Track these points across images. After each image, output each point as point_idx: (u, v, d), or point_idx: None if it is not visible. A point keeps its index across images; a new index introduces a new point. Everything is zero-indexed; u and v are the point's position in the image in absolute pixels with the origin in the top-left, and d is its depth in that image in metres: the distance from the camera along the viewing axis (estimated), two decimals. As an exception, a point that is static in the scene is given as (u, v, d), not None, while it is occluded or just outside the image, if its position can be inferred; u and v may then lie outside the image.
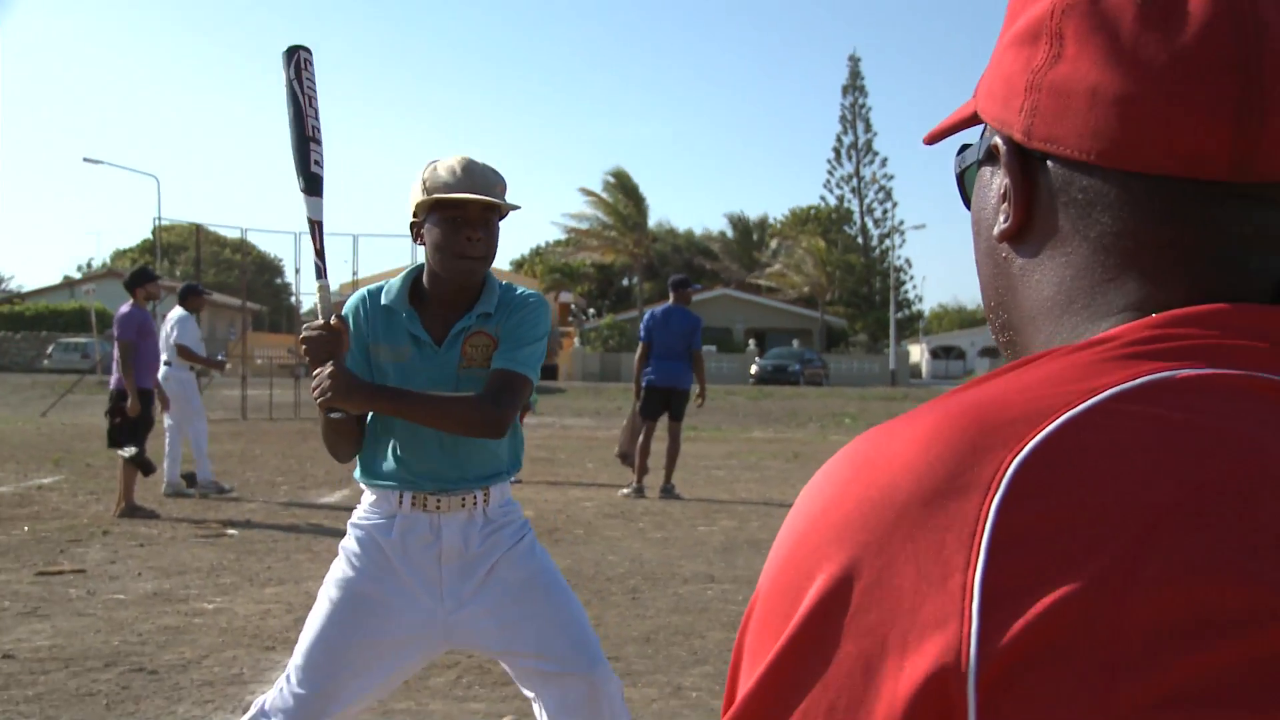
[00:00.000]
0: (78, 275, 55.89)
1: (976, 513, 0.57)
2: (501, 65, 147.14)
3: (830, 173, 62.93)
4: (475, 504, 2.88)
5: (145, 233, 67.60)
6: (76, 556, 7.76)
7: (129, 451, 9.45)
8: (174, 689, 4.74)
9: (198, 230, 27.02)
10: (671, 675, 5.07)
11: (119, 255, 61.86)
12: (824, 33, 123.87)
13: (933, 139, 0.90)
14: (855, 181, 62.36)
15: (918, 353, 69.58)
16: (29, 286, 59.88)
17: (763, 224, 62.15)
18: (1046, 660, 0.54)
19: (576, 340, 47.53)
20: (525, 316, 2.92)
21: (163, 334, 10.84)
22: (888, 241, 59.35)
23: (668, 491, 11.38)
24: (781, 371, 40.43)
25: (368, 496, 2.92)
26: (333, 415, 2.74)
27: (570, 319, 55.63)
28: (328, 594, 2.85)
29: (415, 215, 2.89)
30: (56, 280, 54.28)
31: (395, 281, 2.96)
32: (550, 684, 2.84)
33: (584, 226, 52.23)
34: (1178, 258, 0.69)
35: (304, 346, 2.72)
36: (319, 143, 2.81)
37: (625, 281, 58.96)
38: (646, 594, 6.83)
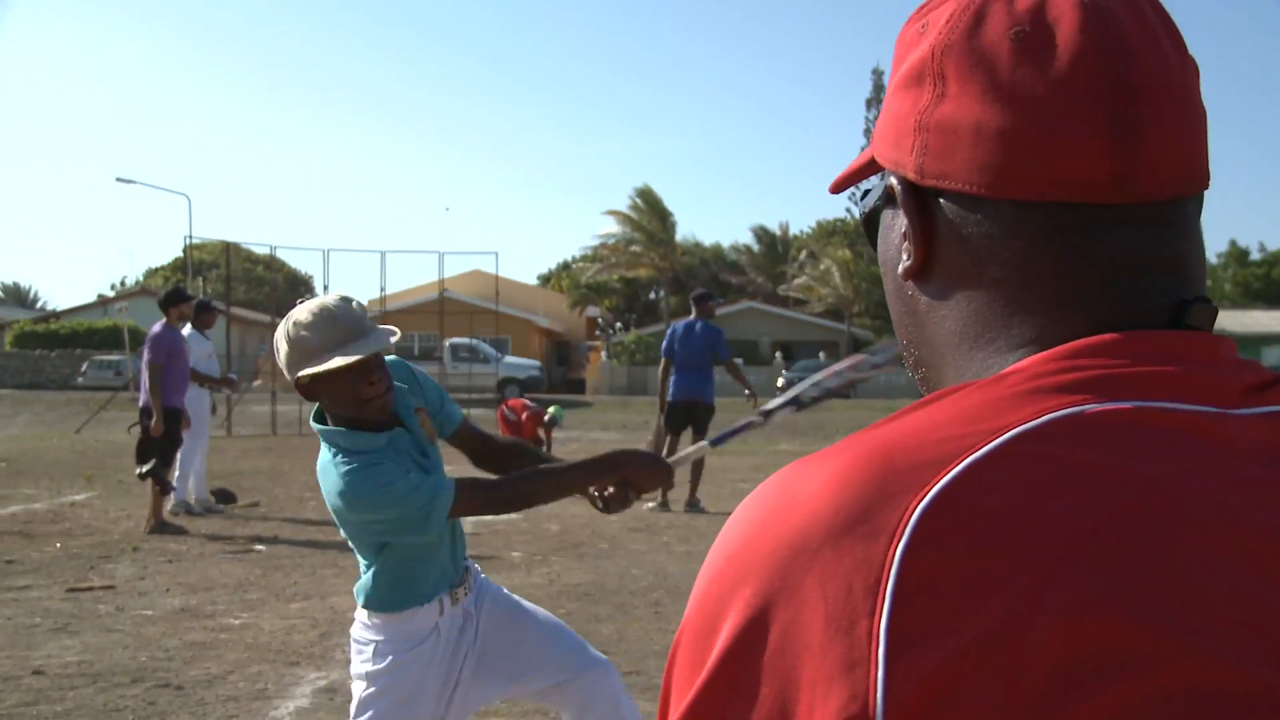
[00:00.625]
0: (111, 293, 56.35)
1: (882, 558, 0.57)
2: (526, 83, 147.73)
3: (856, 185, 62.88)
4: (470, 571, 2.98)
5: (177, 250, 68.22)
6: (106, 572, 7.85)
7: (145, 467, 9.54)
8: (199, 704, 4.79)
9: (228, 248, 27.26)
10: (692, 689, 5.09)
11: (151, 273, 62.40)
12: (847, 46, 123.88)
13: (837, 188, 0.91)
14: (881, 193, 62.32)
15: (946, 364, 69.03)
16: (64, 305, 60.42)
17: (788, 236, 62.07)
18: (951, 705, 0.54)
19: (603, 354, 47.53)
20: (414, 376, 2.95)
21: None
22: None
23: (693, 505, 11.40)
24: (809, 384, 40.38)
25: (396, 626, 2.82)
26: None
27: (597, 333, 55.65)
28: (375, 696, 2.81)
29: (301, 381, 2.68)
30: (90, 299, 54.76)
31: (345, 434, 2.76)
32: (568, 692, 2.94)
33: (611, 242, 52.31)
34: (1073, 287, 0.70)
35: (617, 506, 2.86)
36: None
37: (652, 295, 58.99)
38: (669, 607, 6.85)
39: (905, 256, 0.77)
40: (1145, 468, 0.60)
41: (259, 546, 9.00)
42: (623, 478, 2.80)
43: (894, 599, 0.56)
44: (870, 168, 0.84)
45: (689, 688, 0.63)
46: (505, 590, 3.07)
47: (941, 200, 0.74)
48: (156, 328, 9.90)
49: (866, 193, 0.85)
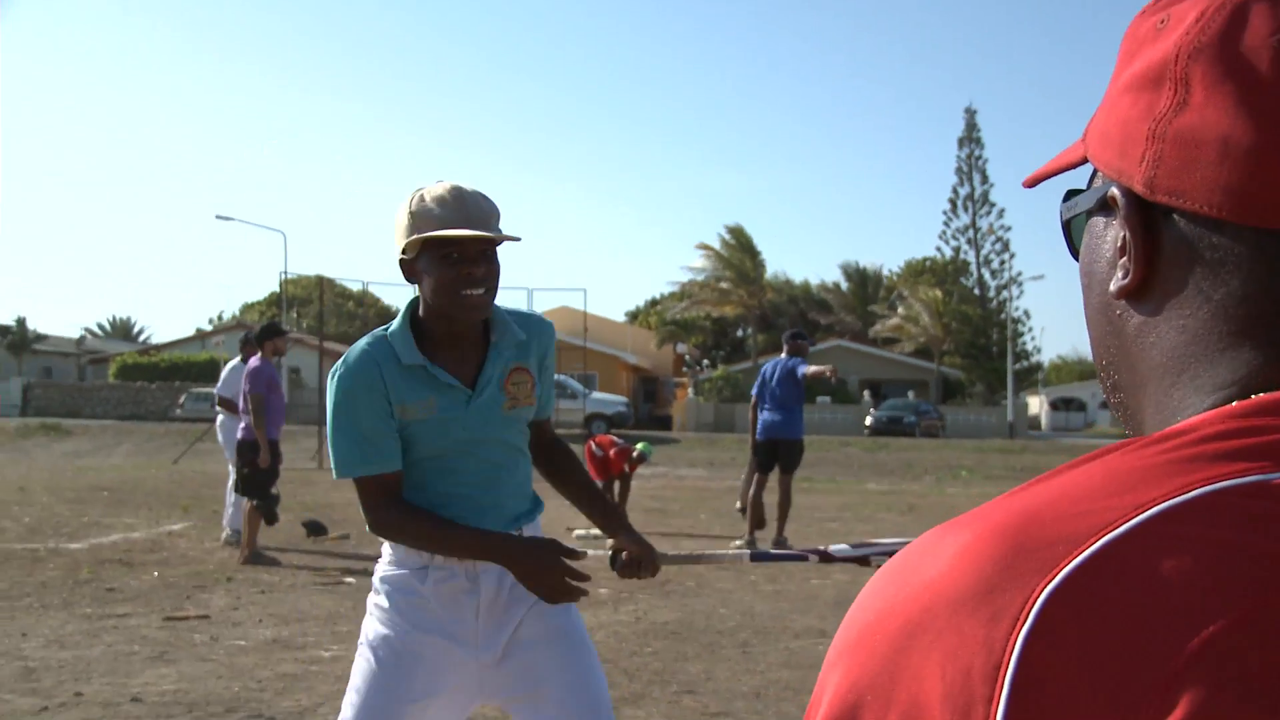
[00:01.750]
0: (209, 327, 57.63)
1: (1004, 643, 0.54)
2: (616, 120, 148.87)
3: (946, 224, 62.22)
4: None
5: (272, 286, 69.60)
6: (201, 602, 7.98)
7: (258, 502, 9.73)
8: (291, 735, 4.84)
9: (321, 283, 27.78)
10: (781, 732, 5.03)
11: (247, 308, 63.71)
12: (940, 84, 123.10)
13: (1034, 181, 0.84)
14: (972, 232, 61.60)
15: (1036, 404, 68.12)
16: (164, 338, 61.89)
17: (878, 275, 61.73)
18: None
19: (690, 391, 47.53)
20: (550, 348, 2.82)
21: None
22: (1005, 293, 58.33)
23: (780, 544, 11.31)
24: (897, 423, 39.94)
25: (395, 548, 2.75)
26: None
27: (685, 369, 55.68)
28: (366, 654, 2.69)
29: (404, 253, 2.64)
30: (189, 332, 56.04)
31: (397, 330, 2.70)
32: None
33: (700, 279, 52.40)
34: None
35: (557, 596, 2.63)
36: None
37: (739, 333, 58.92)
38: (757, 648, 6.79)
39: (1121, 274, 0.70)
40: None
41: (349, 579, 9.11)
42: (514, 571, 2.62)
43: (1012, 689, 0.53)
44: (1076, 165, 0.78)
45: None
46: (574, 613, 2.81)
47: (1173, 217, 0.67)
48: (254, 361, 10.10)
49: (1073, 193, 0.79)
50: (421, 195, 2.61)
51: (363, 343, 2.71)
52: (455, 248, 2.57)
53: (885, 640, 0.59)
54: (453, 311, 2.63)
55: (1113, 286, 0.71)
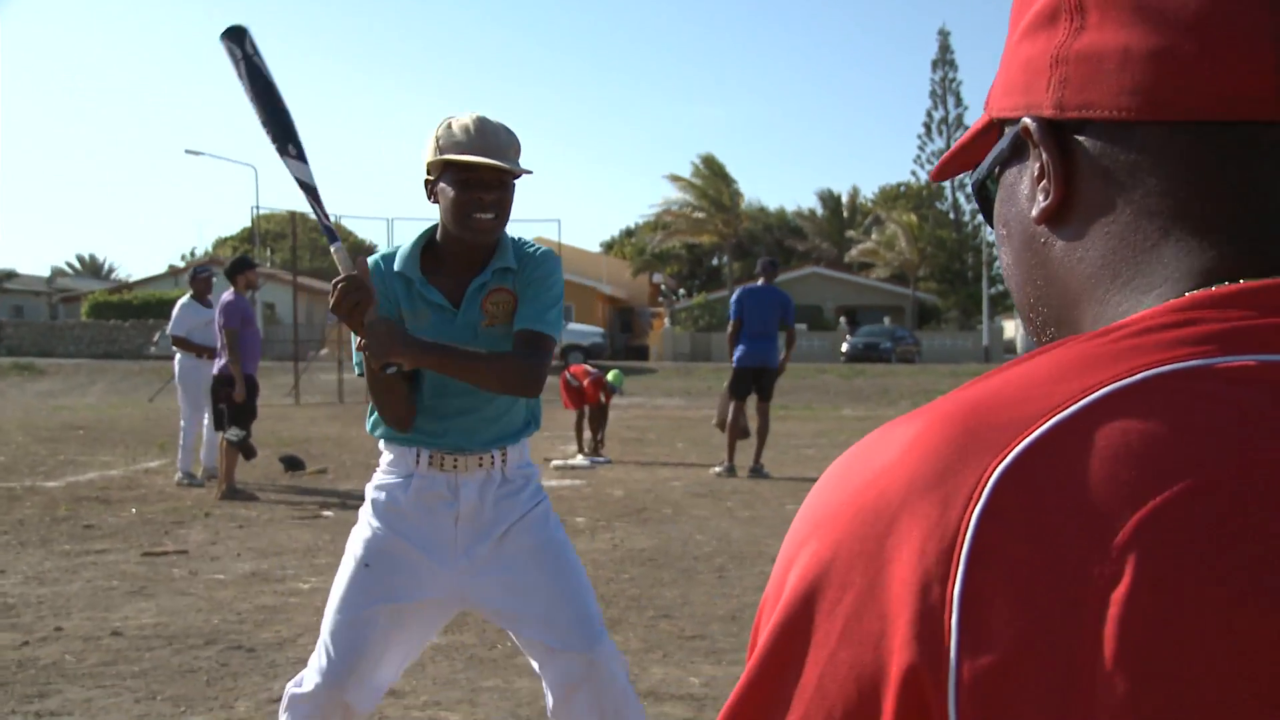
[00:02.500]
0: (181, 264, 57.11)
1: (958, 524, 0.56)
2: (587, 49, 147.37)
3: (921, 148, 61.94)
4: (493, 464, 2.87)
5: (245, 221, 68.92)
6: (179, 538, 8.01)
7: (234, 435, 9.68)
8: (270, 666, 4.89)
9: (294, 217, 27.52)
10: (755, 653, 5.10)
11: (220, 244, 63.16)
12: (912, 6, 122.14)
13: (941, 172, 0.88)
14: (947, 156, 61.56)
15: (1012, 328, 68.44)
16: (136, 276, 61.31)
17: (854, 201, 61.56)
18: (1018, 674, 0.53)
19: (667, 320, 47.56)
20: (544, 275, 2.90)
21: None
22: (980, 217, 58.44)
23: (757, 471, 11.40)
24: (873, 349, 40.04)
25: (385, 456, 2.93)
26: (388, 371, 2.69)
27: (660, 299, 55.66)
28: (349, 556, 2.87)
29: (429, 174, 2.86)
30: (162, 269, 55.56)
31: (407, 245, 2.94)
32: (553, 658, 2.84)
33: (674, 209, 52.16)
34: (1222, 219, 0.65)
35: (334, 310, 2.66)
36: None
37: (715, 261, 58.82)
38: (733, 572, 6.87)
39: (1042, 197, 0.72)
40: (1251, 432, 0.56)
41: (327, 512, 9.14)
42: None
43: (967, 566, 0.55)
44: (974, 149, 0.81)
45: (763, 647, 0.63)
46: (555, 523, 2.95)
47: (1080, 136, 0.69)
48: (227, 295, 9.99)
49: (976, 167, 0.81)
50: (449, 123, 2.82)
51: (379, 253, 2.97)
52: (471, 173, 2.78)
53: (840, 528, 0.61)
54: (462, 232, 2.83)
55: (1034, 212, 0.72)
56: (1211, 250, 0.65)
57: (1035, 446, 0.57)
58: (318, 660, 2.81)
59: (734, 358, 11.52)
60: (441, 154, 2.79)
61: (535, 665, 2.93)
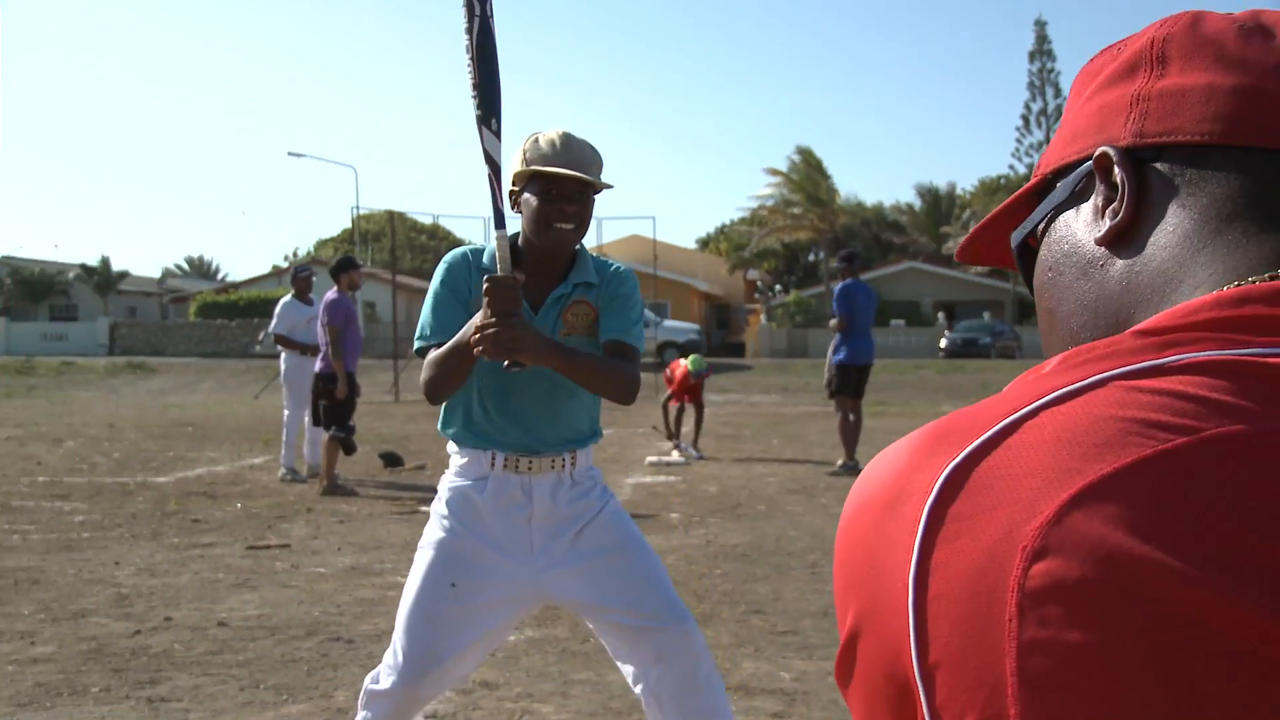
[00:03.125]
0: (284, 264, 58.32)
1: (915, 516, 0.62)
2: (681, 44, 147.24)
3: (1019, 140, 60.69)
4: (563, 467, 2.95)
5: (345, 222, 70.09)
6: (283, 532, 8.21)
7: (338, 431, 9.88)
8: (368, 657, 5.00)
9: (393, 217, 27.97)
10: (847, 650, 5.09)
11: (321, 244, 64.32)
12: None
13: (965, 255, 1.00)
14: (1045, 149, 60.37)
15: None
16: (241, 276, 62.71)
17: (951, 194, 60.70)
18: (952, 666, 0.59)
19: (763, 317, 47.37)
20: (628, 292, 3.01)
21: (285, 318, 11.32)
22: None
23: (848, 467, 11.32)
24: (972, 344, 39.48)
25: (457, 459, 3.00)
26: (512, 369, 2.74)
27: (756, 296, 55.45)
28: (423, 557, 2.94)
29: (514, 185, 2.96)
30: (265, 269, 56.77)
31: (493, 245, 2.97)
32: (645, 638, 2.90)
33: (770, 204, 51.88)
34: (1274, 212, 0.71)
35: (487, 297, 2.67)
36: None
37: (811, 257, 58.41)
38: (826, 569, 6.86)
39: (1109, 219, 0.76)
40: (1204, 414, 0.59)
41: (424, 508, 9.27)
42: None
43: (919, 552, 0.61)
44: (1014, 214, 0.88)
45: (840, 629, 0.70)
46: (628, 520, 3.04)
47: (1154, 164, 0.75)
48: (331, 294, 10.17)
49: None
50: (536, 138, 2.94)
51: (466, 246, 3.11)
52: (554, 184, 2.89)
53: (848, 529, 0.68)
54: (543, 241, 2.94)
55: (1098, 234, 0.77)
56: (1255, 243, 0.70)
57: (981, 445, 0.62)
58: (393, 657, 2.88)
59: (842, 355, 11.37)
60: (528, 166, 2.90)
61: (621, 654, 2.98)
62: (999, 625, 0.57)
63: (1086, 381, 0.63)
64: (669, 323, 38.36)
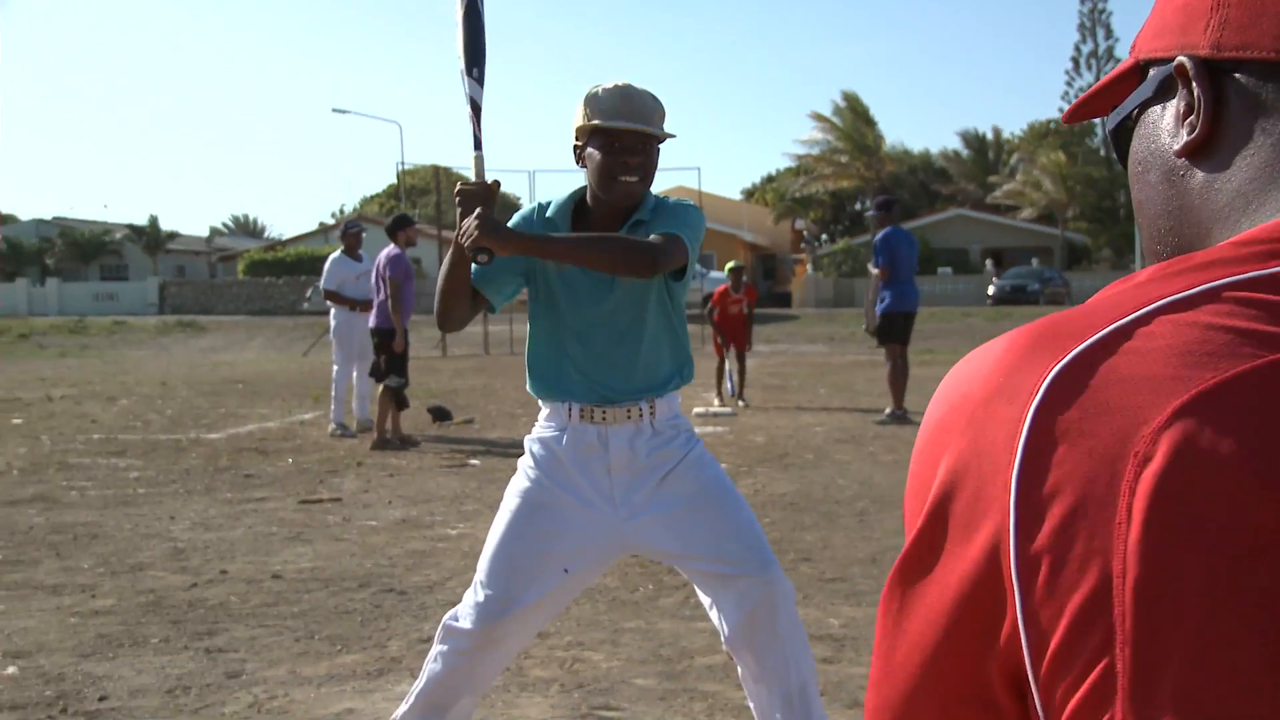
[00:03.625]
0: (331, 221, 58.56)
1: (1020, 416, 0.64)
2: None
3: (1069, 84, 59.54)
4: (641, 416, 2.94)
5: (390, 177, 70.29)
6: (334, 486, 8.30)
7: (394, 382, 9.94)
8: (421, 608, 5.06)
9: (438, 172, 28.00)
10: (896, 597, 5.09)
11: (367, 200, 64.54)
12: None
13: (1073, 117, 0.93)
14: (1097, 90, 59.18)
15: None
16: (288, 234, 63.05)
17: (998, 140, 59.91)
18: (1058, 554, 0.61)
19: (809, 267, 47.11)
20: (682, 209, 3.00)
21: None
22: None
23: (896, 415, 11.23)
24: (1020, 291, 39.06)
25: (543, 411, 3.04)
26: (480, 258, 2.79)
27: (803, 245, 55.12)
28: (508, 505, 2.97)
29: (578, 140, 2.98)
30: (312, 226, 57.08)
31: (560, 198, 3.08)
32: (728, 586, 2.91)
33: (815, 152, 51.44)
34: None
35: (458, 198, 2.82)
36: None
37: (857, 205, 57.94)
38: (874, 516, 6.85)
39: (1187, 132, 0.76)
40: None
41: (474, 461, 9.37)
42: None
43: (1024, 454, 0.63)
44: (1109, 94, 0.86)
45: (912, 525, 0.72)
46: (714, 466, 3.02)
47: (1234, 76, 0.73)
48: (391, 249, 10.25)
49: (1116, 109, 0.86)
50: (596, 91, 2.94)
51: (535, 201, 3.14)
52: (616, 138, 2.89)
53: (945, 429, 0.70)
54: (609, 194, 2.94)
55: (1177, 145, 0.76)
56: None
57: (1087, 350, 0.64)
58: (474, 597, 2.92)
59: (887, 302, 11.17)
60: (590, 120, 2.90)
61: (708, 600, 3.01)
62: (1108, 526, 0.59)
63: (1197, 289, 0.64)
64: (715, 273, 38.19)
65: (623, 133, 2.88)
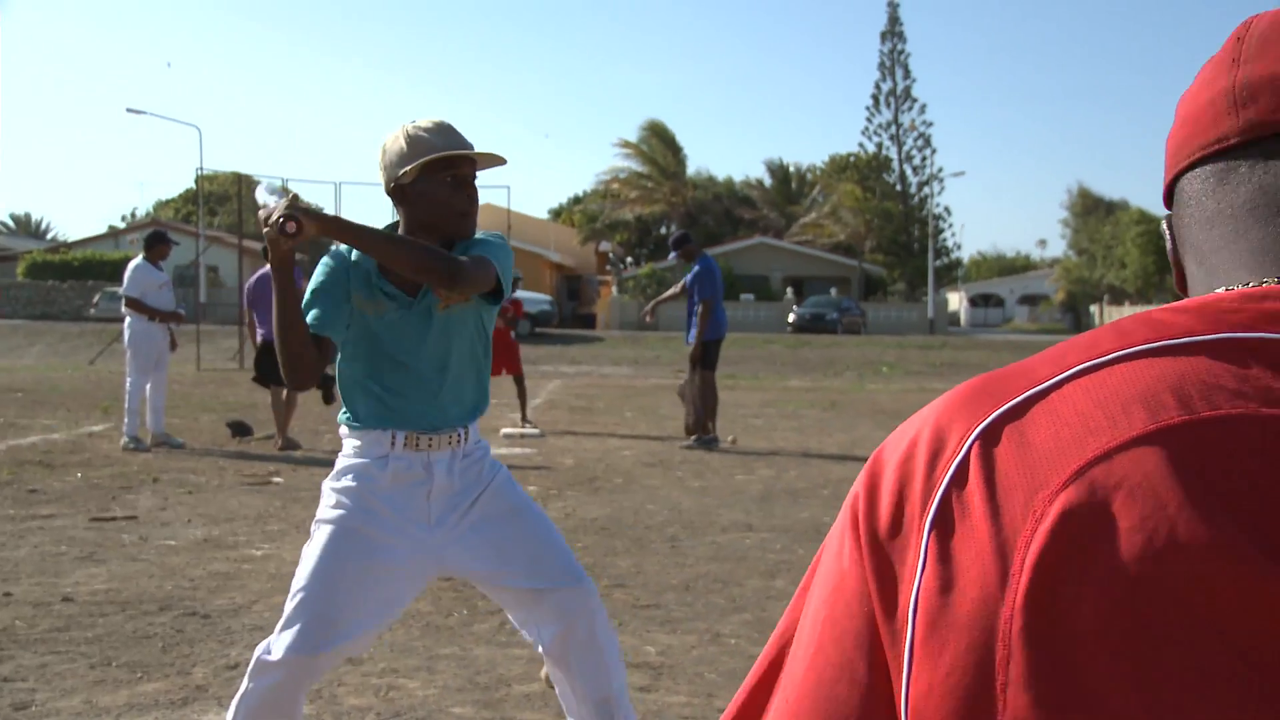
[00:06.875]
0: (122, 225, 56.24)
1: (943, 473, 0.67)
2: (535, 15, 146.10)
3: (869, 119, 61.89)
4: (460, 442, 3.00)
5: (188, 182, 67.83)
6: (128, 503, 7.94)
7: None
8: (226, 633, 4.88)
9: (240, 179, 27.20)
10: (710, 622, 5.17)
11: (162, 205, 62.16)
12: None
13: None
14: (894, 128, 61.40)
15: (956, 301, 69.16)
16: (74, 236, 60.20)
17: (801, 172, 61.60)
18: (949, 621, 0.64)
19: (614, 289, 47.47)
20: (492, 240, 3.01)
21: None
22: (926, 189, 58.53)
23: (704, 442, 11.44)
24: (819, 320, 40.26)
25: (352, 441, 2.98)
26: (288, 227, 2.62)
27: (608, 268, 55.49)
28: (321, 532, 2.91)
29: (403, 179, 2.91)
30: (101, 229, 54.63)
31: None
32: (543, 600, 2.98)
33: (623, 177, 51.94)
34: None
35: (261, 213, 2.71)
36: None
37: (663, 230, 58.68)
38: (685, 542, 6.93)
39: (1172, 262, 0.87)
40: (1213, 395, 0.63)
41: (277, 479, 9.10)
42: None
43: (935, 516, 0.66)
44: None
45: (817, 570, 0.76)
46: (519, 487, 3.11)
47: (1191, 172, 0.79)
48: (264, 269, 10.10)
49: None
50: (415, 126, 2.92)
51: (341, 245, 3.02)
52: (455, 170, 2.90)
53: (878, 471, 0.73)
54: (450, 229, 2.95)
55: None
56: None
57: (1007, 411, 0.67)
58: (289, 628, 2.82)
59: (710, 331, 11.37)
60: (419, 157, 2.86)
61: (520, 618, 3.08)
62: (1002, 580, 0.62)
63: (1113, 355, 0.67)
64: (520, 294, 38.11)
65: (461, 164, 2.89)
